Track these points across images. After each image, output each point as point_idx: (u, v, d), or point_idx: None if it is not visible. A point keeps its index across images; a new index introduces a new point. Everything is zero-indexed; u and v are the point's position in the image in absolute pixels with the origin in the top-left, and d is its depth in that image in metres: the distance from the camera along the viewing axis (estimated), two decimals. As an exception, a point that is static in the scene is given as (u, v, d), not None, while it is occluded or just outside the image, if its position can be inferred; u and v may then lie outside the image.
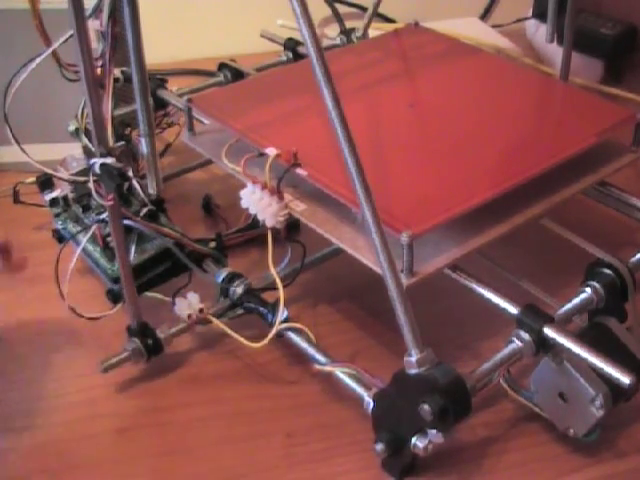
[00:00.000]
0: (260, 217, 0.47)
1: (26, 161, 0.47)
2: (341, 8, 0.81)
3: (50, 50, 0.44)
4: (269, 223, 0.46)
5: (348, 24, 0.73)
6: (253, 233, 0.55)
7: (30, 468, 0.43)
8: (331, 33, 0.74)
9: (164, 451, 0.44)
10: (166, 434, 0.45)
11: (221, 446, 0.45)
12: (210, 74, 0.68)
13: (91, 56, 0.40)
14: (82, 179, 0.49)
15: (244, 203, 0.47)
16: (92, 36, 0.59)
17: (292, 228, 0.52)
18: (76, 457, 0.44)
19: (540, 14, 0.83)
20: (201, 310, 0.48)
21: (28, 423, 0.46)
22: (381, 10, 0.87)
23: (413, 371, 0.38)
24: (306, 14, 0.34)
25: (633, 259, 0.47)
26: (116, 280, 0.51)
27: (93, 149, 0.43)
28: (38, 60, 0.45)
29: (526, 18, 0.89)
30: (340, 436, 0.45)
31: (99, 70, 0.48)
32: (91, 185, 0.43)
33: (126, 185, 0.43)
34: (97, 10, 0.44)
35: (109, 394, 0.48)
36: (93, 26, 0.53)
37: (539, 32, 0.84)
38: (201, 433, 0.45)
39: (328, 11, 0.77)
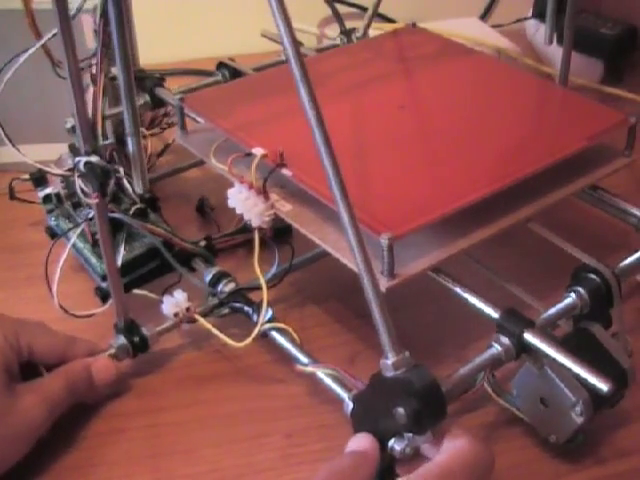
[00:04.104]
0: (246, 217, 0.47)
1: (24, 161, 0.48)
2: (341, 8, 0.80)
3: (39, 44, 0.45)
4: (255, 223, 0.46)
5: (348, 24, 0.72)
6: (243, 237, 0.55)
7: (30, 468, 0.43)
8: (331, 33, 0.73)
9: (163, 451, 0.45)
10: (166, 434, 0.46)
11: (220, 446, 0.45)
12: (211, 74, 0.68)
13: (75, 53, 0.40)
14: (71, 174, 0.50)
15: (231, 202, 0.47)
16: (89, 34, 0.59)
17: (285, 231, 0.52)
18: (75, 457, 0.44)
19: (540, 14, 0.82)
20: (188, 309, 0.48)
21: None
22: (381, 10, 0.86)
23: (389, 374, 0.37)
24: (283, 10, 0.34)
25: (620, 265, 0.47)
26: (106, 277, 0.51)
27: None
28: (28, 53, 0.46)
29: (526, 18, 0.88)
30: (339, 436, 0.44)
31: (93, 68, 0.49)
32: (76, 183, 0.43)
33: (111, 183, 0.43)
34: (81, 9, 0.44)
35: (108, 394, 0.47)
36: (89, 24, 0.53)
37: (539, 32, 0.83)
38: (201, 433, 0.46)
39: (328, 11, 0.77)
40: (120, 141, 0.60)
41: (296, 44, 0.34)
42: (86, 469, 0.44)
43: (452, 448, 0.36)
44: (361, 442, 0.38)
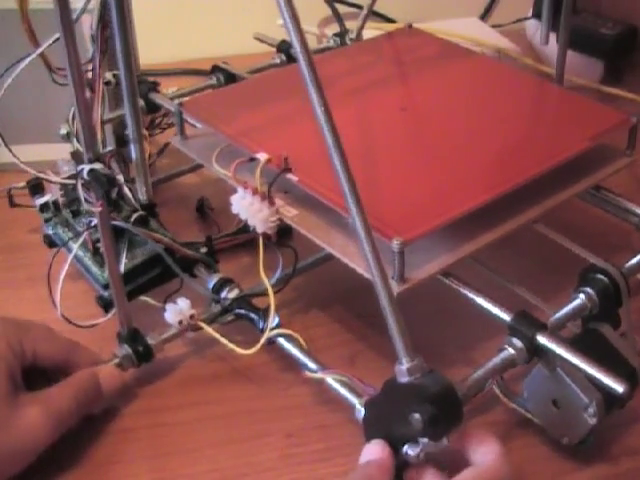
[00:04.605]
0: (250, 223, 0.46)
1: (24, 161, 0.48)
2: (341, 8, 0.80)
3: (37, 53, 0.44)
4: (260, 229, 0.46)
5: (348, 24, 0.72)
6: (244, 237, 0.55)
7: (30, 468, 0.42)
8: (331, 33, 0.73)
9: (164, 451, 0.44)
10: (166, 435, 0.45)
11: (221, 447, 0.45)
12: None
13: (78, 60, 0.39)
14: (71, 182, 0.49)
15: (234, 208, 0.47)
16: (86, 39, 0.59)
17: (285, 233, 0.51)
18: (75, 458, 0.44)
19: (540, 14, 0.82)
20: (192, 316, 0.48)
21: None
22: (381, 10, 0.87)
23: (404, 379, 0.37)
24: (294, 16, 0.33)
25: (627, 264, 0.47)
26: (107, 286, 0.50)
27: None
28: (27, 60, 0.45)
29: (526, 18, 0.88)
30: (340, 437, 0.44)
31: (89, 73, 0.48)
32: (80, 191, 0.43)
33: (115, 191, 0.42)
34: (84, 10, 0.43)
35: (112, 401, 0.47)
36: (89, 25, 0.52)
37: (539, 32, 0.83)
38: (201, 434, 0.45)
39: (328, 11, 0.77)
40: (120, 143, 0.60)
41: (306, 47, 0.33)
42: (87, 468, 0.43)
43: (481, 465, 0.36)
44: (375, 450, 0.38)
